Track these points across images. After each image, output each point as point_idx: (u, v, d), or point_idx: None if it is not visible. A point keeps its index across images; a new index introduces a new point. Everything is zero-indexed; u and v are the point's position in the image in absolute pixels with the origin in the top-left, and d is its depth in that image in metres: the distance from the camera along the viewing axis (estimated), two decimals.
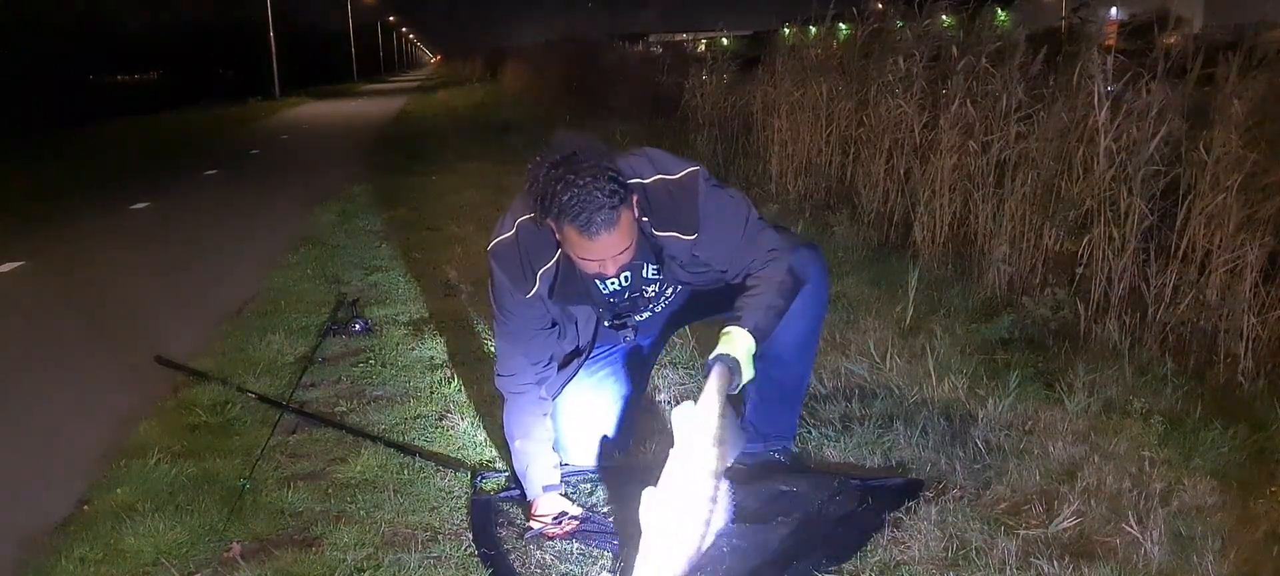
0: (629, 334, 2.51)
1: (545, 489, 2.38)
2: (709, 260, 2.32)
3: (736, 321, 2.20)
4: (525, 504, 2.42)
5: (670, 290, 2.46)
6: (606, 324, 2.48)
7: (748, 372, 2.17)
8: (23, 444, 3.16)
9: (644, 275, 2.37)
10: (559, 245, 2.20)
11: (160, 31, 39.12)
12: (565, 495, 2.43)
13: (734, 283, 2.33)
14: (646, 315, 2.50)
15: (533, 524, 2.33)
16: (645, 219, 2.21)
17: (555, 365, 2.48)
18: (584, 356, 2.53)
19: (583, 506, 2.41)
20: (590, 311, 2.43)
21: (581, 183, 2.03)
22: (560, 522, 2.30)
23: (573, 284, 2.30)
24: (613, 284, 2.36)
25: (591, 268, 2.17)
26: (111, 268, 5.94)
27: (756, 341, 2.20)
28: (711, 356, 2.16)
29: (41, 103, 23.39)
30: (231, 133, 17.96)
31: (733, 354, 2.14)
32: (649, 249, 2.28)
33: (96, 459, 2.84)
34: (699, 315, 2.66)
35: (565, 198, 2.04)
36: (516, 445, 2.43)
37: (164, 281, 5.51)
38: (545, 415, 2.45)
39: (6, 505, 2.68)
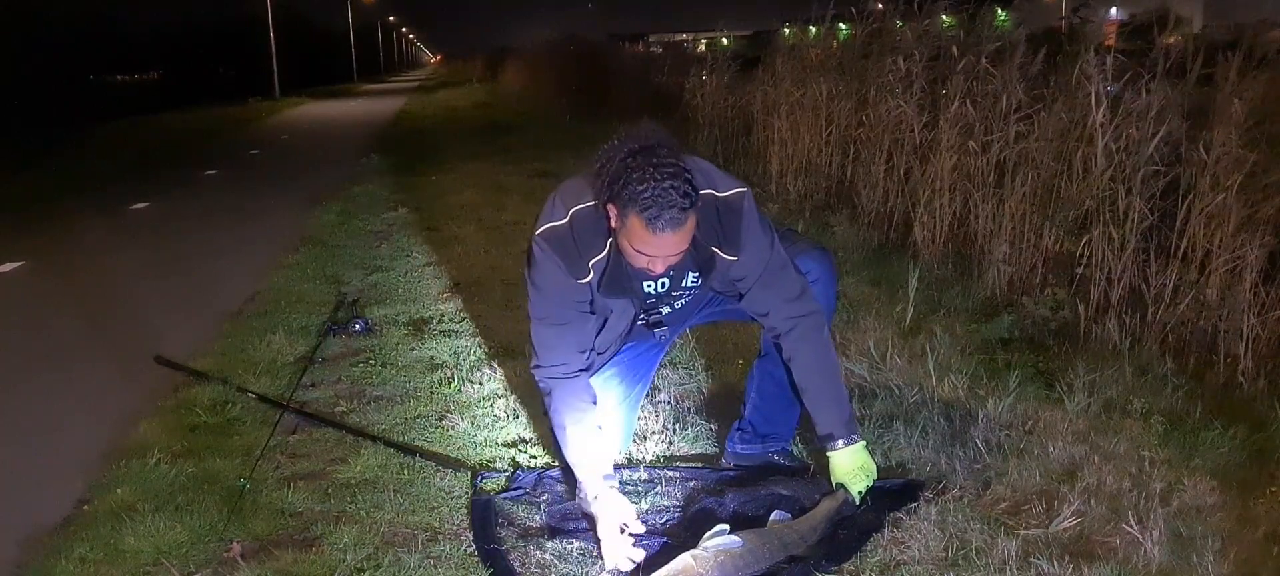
0: (664, 331, 2.49)
1: (605, 478, 2.28)
2: (737, 280, 2.34)
3: (832, 438, 2.37)
4: (529, 502, 2.42)
5: (694, 293, 2.46)
6: (640, 321, 2.45)
7: (868, 477, 2.38)
8: (23, 444, 3.15)
9: (684, 282, 2.37)
10: (610, 235, 2.19)
11: (160, 31, 39.14)
12: (569, 496, 2.43)
13: (749, 310, 2.40)
14: (667, 310, 2.50)
15: (601, 532, 2.17)
16: (697, 228, 2.20)
17: (596, 353, 2.44)
18: (607, 356, 2.49)
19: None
20: (628, 307, 2.39)
21: (660, 177, 2.03)
22: (625, 530, 2.18)
23: (619, 278, 2.28)
24: (652, 286, 2.35)
25: (640, 261, 2.15)
26: (112, 268, 5.93)
27: (857, 432, 2.40)
28: (836, 485, 2.37)
29: (41, 103, 23.39)
30: (231, 133, 17.94)
31: (852, 486, 2.36)
32: (693, 258, 2.27)
33: (96, 459, 2.84)
34: (709, 317, 2.66)
35: (640, 186, 2.03)
36: (569, 432, 2.30)
37: (164, 281, 5.51)
38: (594, 401, 2.36)
39: (6, 505, 2.67)
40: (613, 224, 2.15)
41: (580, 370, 2.35)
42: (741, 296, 2.38)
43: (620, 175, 2.06)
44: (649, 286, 2.34)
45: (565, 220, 2.23)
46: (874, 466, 2.39)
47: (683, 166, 2.08)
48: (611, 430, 2.62)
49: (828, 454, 2.38)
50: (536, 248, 2.25)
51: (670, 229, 2.05)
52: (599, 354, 2.47)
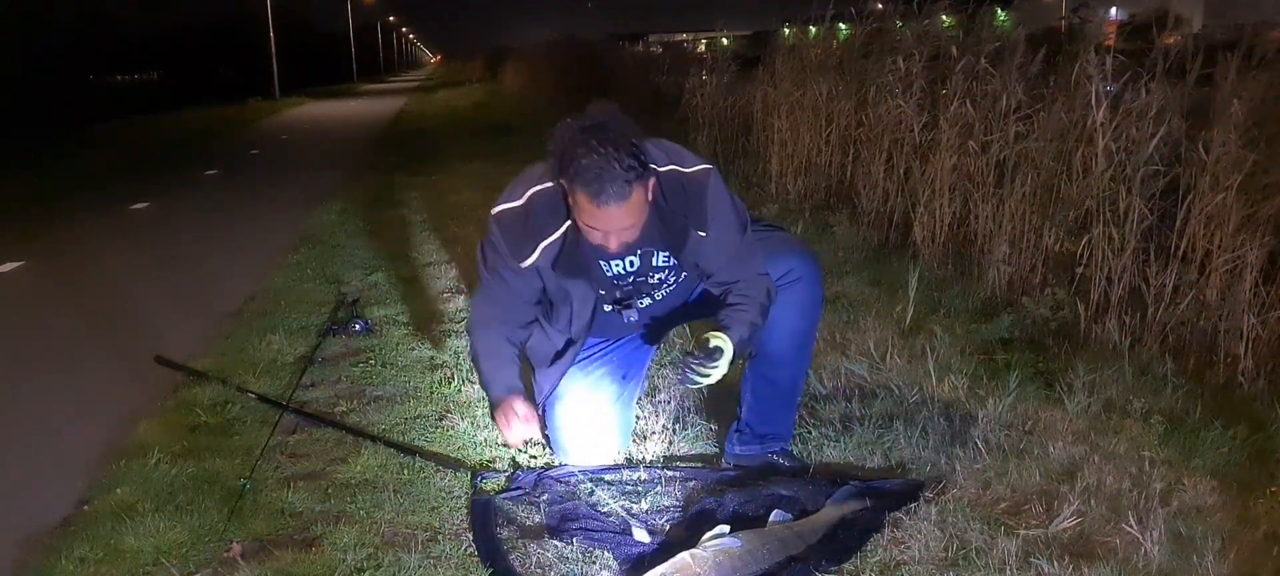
0: (633, 315, 2.51)
1: (509, 389, 2.43)
2: (702, 260, 2.35)
3: (724, 331, 2.28)
4: (529, 502, 2.43)
5: (674, 279, 2.47)
6: (606, 308, 2.48)
7: (720, 371, 2.27)
8: (23, 444, 3.15)
9: (654, 262, 2.39)
10: (570, 214, 2.23)
11: (160, 31, 39.12)
12: (568, 496, 2.44)
13: (715, 291, 2.40)
14: (646, 302, 2.50)
15: (507, 436, 2.45)
16: (662, 204, 2.25)
17: (528, 333, 2.52)
18: (577, 347, 2.53)
19: (585, 504, 2.41)
20: (587, 290, 2.42)
21: (602, 151, 2.07)
22: (528, 423, 2.42)
23: (577, 259, 2.32)
24: (618, 266, 2.37)
25: (595, 238, 2.19)
26: (111, 268, 5.93)
27: (735, 354, 2.29)
28: (712, 340, 2.26)
29: (41, 103, 23.38)
30: (231, 133, 17.94)
31: (723, 347, 2.25)
32: (661, 236, 2.30)
33: (96, 459, 2.84)
34: (695, 314, 2.66)
35: (583, 161, 2.08)
36: (482, 364, 2.50)
37: (164, 281, 5.50)
38: (514, 349, 2.50)
39: (6, 505, 2.67)
40: (570, 203, 2.20)
41: (501, 334, 2.48)
42: (709, 279, 2.40)
43: (567, 153, 2.11)
44: (616, 266, 2.37)
45: (521, 202, 2.31)
46: (728, 357, 2.27)
47: (631, 142, 2.10)
48: (608, 430, 2.63)
49: (715, 332, 2.29)
50: (491, 226, 2.35)
51: (614, 202, 2.10)
52: (572, 343, 2.50)
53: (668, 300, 2.54)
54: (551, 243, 2.30)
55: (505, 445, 2.66)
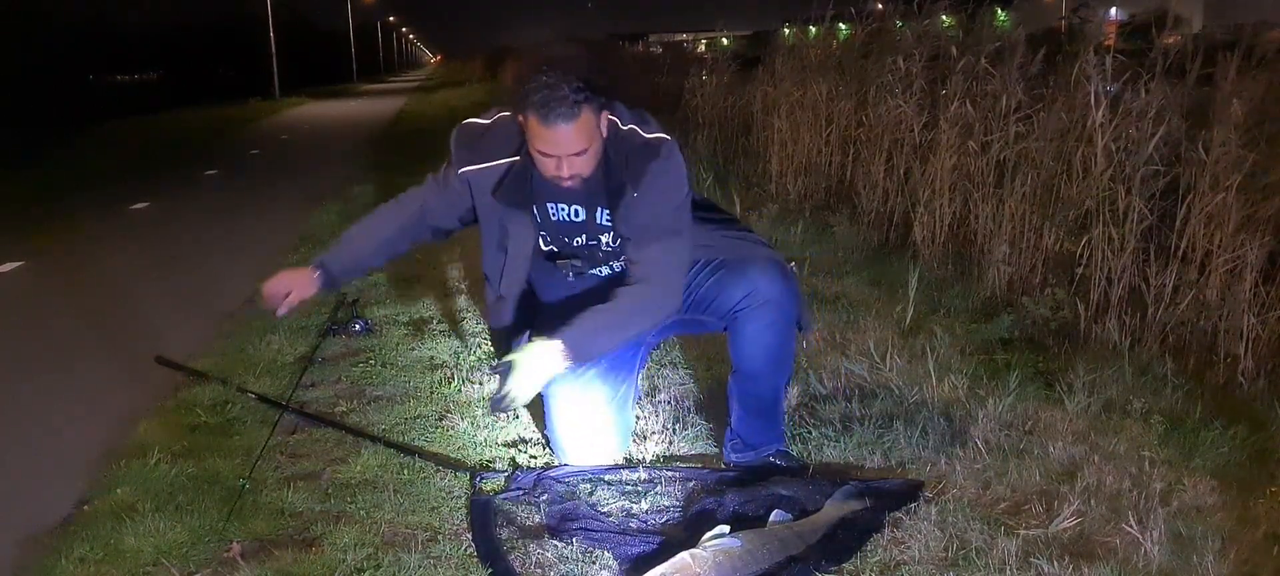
0: (570, 274, 2.53)
1: (320, 265, 2.55)
2: (627, 220, 2.34)
3: (559, 332, 2.26)
4: (529, 502, 2.42)
5: (620, 244, 2.46)
6: (543, 248, 2.51)
7: (526, 387, 2.25)
8: (23, 444, 3.15)
9: (597, 219, 2.42)
10: (522, 147, 2.31)
11: (160, 31, 39.10)
12: (568, 496, 2.44)
13: (623, 263, 2.42)
14: (607, 271, 2.52)
15: (267, 288, 2.55)
16: (610, 155, 2.30)
17: (425, 232, 2.60)
18: (509, 307, 2.52)
19: (585, 504, 2.41)
20: (527, 229, 2.45)
21: (552, 76, 2.18)
22: (283, 300, 2.51)
23: (524, 192, 2.38)
24: (564, 212, 2.42)
25: (549, 167, 2.26)
26: (111, 268, 5.93)
27: (574, 362, 2.27)
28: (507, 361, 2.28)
29: (41, 102, 23.38)
30: (231, 133, 17.95)
31: (515, 361, 2.25)
32: (606, 191, 2.34)
33: (96, 459, 2.84)
34: (680, 318, 2.65)
35: (532, 87, 2.19)
36: (349, 230, 2.65)
37: (164, 281, 5.50)
38: (396, 241, 2.62)
39: (6, 505, 2.67)
40: (526, 135, 2.28)
41: (396, 218, 2.60)
42: (616, 246, 2.43)
43: (520, 85, 2.21)
44: (563, 211, 2.42)
45: (486, 120, 2.44)
46: (531, 393, 2.27)
47: (578, 70, 2.20)
48: (604, 430, 2.62)
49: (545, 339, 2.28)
50: (452, 133, 2.48)
51: (563, 121, 2.19)
52: (503, 296, 2.52)
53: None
54: (496, 165, 2.38)
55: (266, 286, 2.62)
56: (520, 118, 2.26)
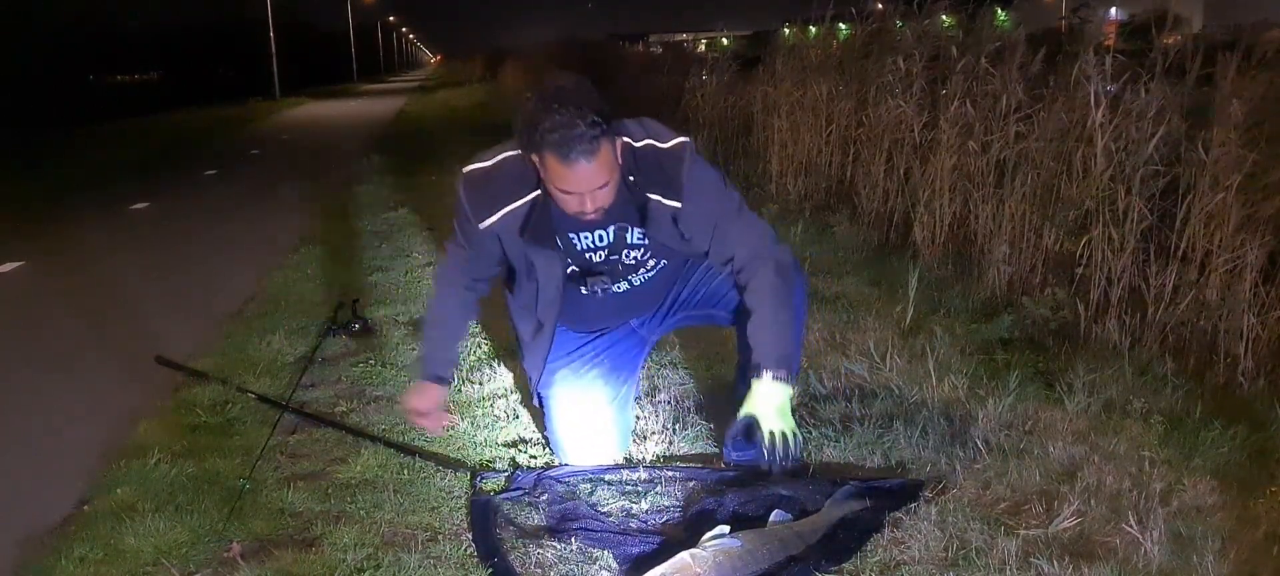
0: (598, 290, 2.50)
1: (436, 377, 2.49)
2: (691, 234, 2.35)
3: (759, 368, 2.26)
4: (529, 502, 2.42)
5: (653, 261, 2.46)
6: (573, 279, 2.47)
7: (785, 423, 2.25)
8: (23, 444, 3.15)
9: (628, 238, 2.39)
10: (540, 184, 2.25)
11: (160, 31, 39.12)
12: (568, 496, 2.44)
13: (715, 269, 2.41)
14: (624, 286, 2.50)
15: (411, 415, 2.53)
16: (631, 177, 2.26)
17: (488, 285, 2.57)
18: (547, 333, 2.53)
19: (585, 504, 2.41)
20: (554, 262, 2.40)
21: (565, 113, 2.09)
22: (425, 416, 2.49)
23: (546, 228, 2.33)
24: (589, 238, 2.37)
25: (572, 204, 2.19)
26: (111, 268, 5.93)
27: (789, 375, 2.29)
28: (743, 416, 2.27)
29: (41, 103, 23.38)
30: (231, 133, 17.95)
31: (755, 413, 2.25)
32: (634, 209, 2.31)
33: (96, 459, 2.84)
34: (689, 314, 2.66)
35: (547, 125, 2.09)
36: (429, 331, 2.59)
37: (164, 281, 5.51)
38: (465, 314, 2.58)
39: (6, 505, 2.67)
40: (542, 174, 2.21)
41: (461, 282, 2.53)
42: (706, 253, 2.40)
43: (531, 121, 2.12)
44: (587, 238, 2.38)
45: (490, 163, 2.34)
46: (793, 420, 2.28)
47: (590, 101, 2.12)
48: (605, 430, 2.63)
49: (751, 381, 2.28)
50: (459, 184, 2.39)
51: (584, 158, 2.11)
52: (542, 323, 2.51)
53: (649, 288, 2.53)
54: (517, 208, 2.31)
55: (408, 411, 2.63)
56: (534, 157, 2.18)
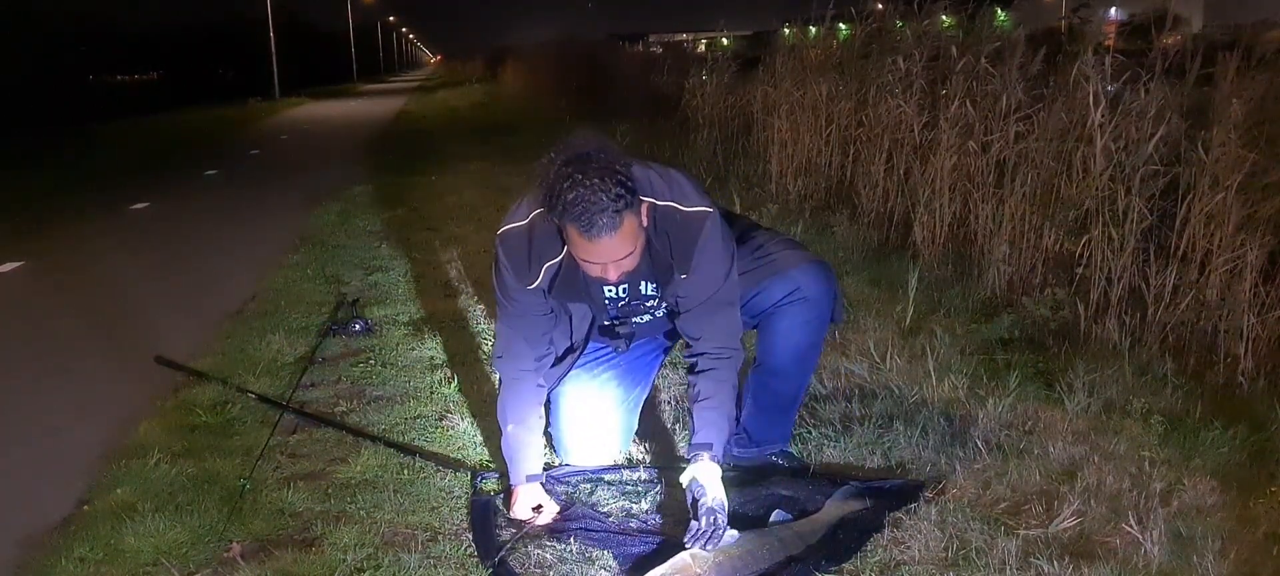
0: (621, 345, 2.50)
1: (529, 478, 2.39)
2: (681, 298, 2.33)
3: (712, 447, 2.25)
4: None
5: (662, 306, 2.46)
6: (604, 323, 2.48)
7: (719, 497, 2.19)
8: (23, 444, 3.15)
9: (642, 291, 2.37)
10: (566, 243, 2.20)
11: (160, 31, 39.13)
12: (569, 495, 2.44)
13: (682, 327, 2.37)
14: (647, 319, 2.49)
15: (513, 513, 2.36)
16: (653, 243, 2.21)
17: (553, 354, 2.47)
18: (577, 354, 2.53)
19: (585, 505, 2.41)
20: (586, 310, 2.44)
21: (588, 183, 2.01)
22: (539, 512, 2.34)
23: (573, 284, 2.30)
24: (611, 292, 2.36)
25: (594, 271, 2.15)
26: (111, 268, 5.93)
27: (722, 460, 2.28)
28: (691, 481, 2.21)
29: (41, 103, 23.39)
30: (231, 133, 17.94)
31: (705, 483, 2.19)
32: (651, 267, 2.27)
33: (96, 459, 2.84)
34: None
35: (570, 196, 2.02)
36: (509, 430, 2.41)
37: (164, 281, 5.50)
38: (540, 404, 2.45)
39: (6, 505, 2.67)
40: (565, 239, 2.16)
41: (529, 370, 2.41)
42: (681, 318, 2.36)
43: (554, 189, 2.04)
44: (609, 292, 2.35)
45: (525, 222, 2.27)
46: (723, 494, 2.21)
47: (615, 168, 2.04)
48: (610, 431, 2.63)
49: (692, 459, 2.27)
50: (497, 246, 2.31)
51: (607, 233, 2.04)
52: (573, 350, 2.50)
53: (656, 323, 2.52)
54: (552, 265, 2.27)
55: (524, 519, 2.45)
56: (557, 223, 2.12)
